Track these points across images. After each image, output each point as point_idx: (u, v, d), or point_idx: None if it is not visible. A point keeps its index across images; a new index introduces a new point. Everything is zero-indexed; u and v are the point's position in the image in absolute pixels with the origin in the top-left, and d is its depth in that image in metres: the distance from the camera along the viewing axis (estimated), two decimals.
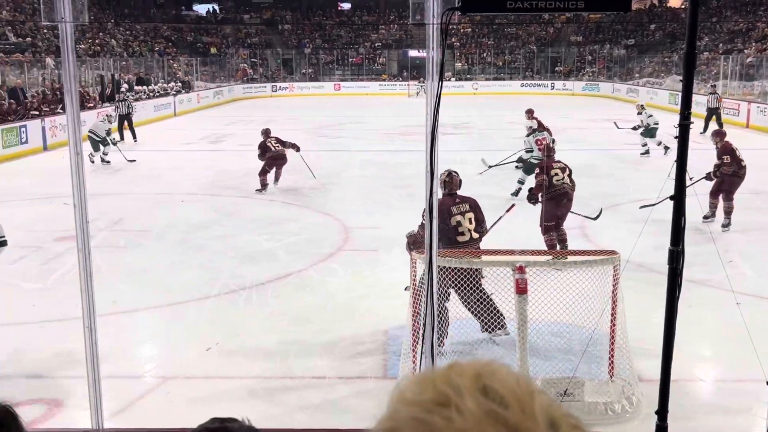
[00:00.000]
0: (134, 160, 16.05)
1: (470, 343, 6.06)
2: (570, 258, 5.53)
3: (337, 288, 7.79)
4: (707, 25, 36.64)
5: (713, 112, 20.86)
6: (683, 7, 41.87)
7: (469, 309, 5.86)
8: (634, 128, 16.13)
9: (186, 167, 15.88)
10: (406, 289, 6.10)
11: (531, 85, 40.31)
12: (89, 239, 3.80)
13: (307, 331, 6.53)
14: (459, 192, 6.51)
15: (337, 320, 6.78)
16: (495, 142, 17.56)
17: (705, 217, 9.79)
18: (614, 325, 5.23)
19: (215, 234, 9.96)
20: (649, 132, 15.89)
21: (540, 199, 8.36)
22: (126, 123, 19.93)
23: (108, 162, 15.82)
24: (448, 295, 5.70)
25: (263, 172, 12.88)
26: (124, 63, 30.57)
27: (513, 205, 8.42)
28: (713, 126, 19.98)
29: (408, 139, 19.03)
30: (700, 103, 24.88)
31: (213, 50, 42.73)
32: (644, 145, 16.15)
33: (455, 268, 5.46)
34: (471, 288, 5.61)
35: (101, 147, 15.73)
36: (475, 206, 6.41)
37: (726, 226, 9.68)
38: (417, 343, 5.18)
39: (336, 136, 20.77)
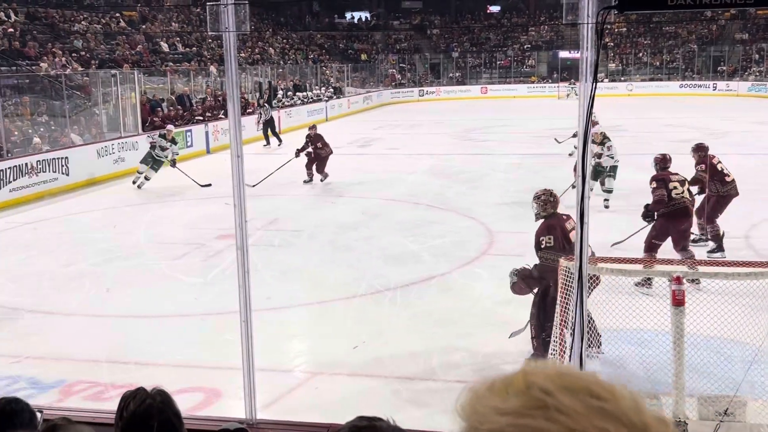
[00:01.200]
0: (209, 185, 13.85)
1: (618, 357, 5.82)
2: (732, 269, 5.17)
3: (480, 293, 7.74)
4: None
5: None
6: None
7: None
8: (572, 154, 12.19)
9: (336, 170, 16.36)
10: (511, 336, 5.96)
11: (691, 86, 38.15)
12: (247, 237, 4.01)
13: (450, 335, 6.54)
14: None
15: (480, 325, 6.74)
16: (650, 145, 16.72)
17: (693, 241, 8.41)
18: None
19: (363, 235, 10.21)
20: (597, 173, 11.27)
21: (655, 217, 7.69)
22: (270, 129, 20.85)
23: (139, 185, 14.62)
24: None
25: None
26: (280, 70, 32.01)
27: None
28: None
29: (554, 143, 18.58)
30: None
31: (363, 56, 43.81)
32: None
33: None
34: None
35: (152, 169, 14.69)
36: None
37: (713, 251, 8.37)
38: (563, 353, 5.05)
39: (482, 140, 20.67)
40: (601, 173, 10.84)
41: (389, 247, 9.54)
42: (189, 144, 18.90)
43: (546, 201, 6.12)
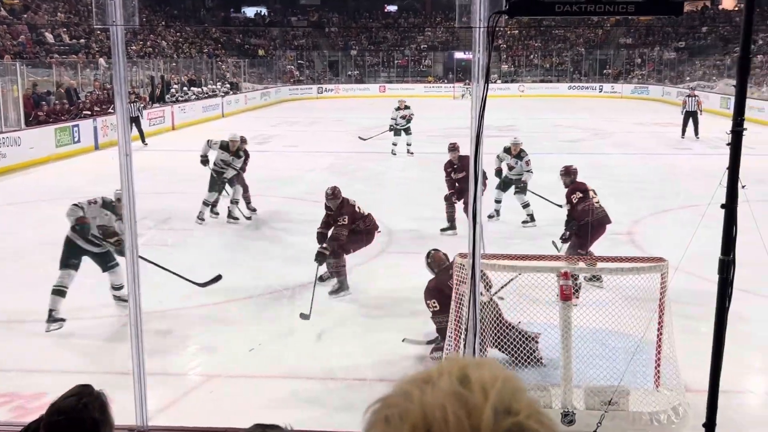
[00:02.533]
0: (254, 210, 11.28)
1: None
2: (617, 265, 5.43)
3: (380, 290, 7.79)
4: (762, 27, 35.72)
5: (690, 116, 19.94)
6: (736, 9, 40.88)
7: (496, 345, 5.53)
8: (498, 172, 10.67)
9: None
10: (403, 340, 6.09)
11: (578, 88, 39.81)
12: (137, 238, 3.87)
13: (348, 333, 6.56)
14: None
15: (379, 323, 6.79)
16: (541, 144, 17.35)
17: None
18: (661, 334, 5.13)
19: (260, 234, 10.07)
20: (506, 184, 10.66)
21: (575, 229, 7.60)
22: (134, 125, 19.55)
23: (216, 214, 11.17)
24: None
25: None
26: (174, 64, 31.13)
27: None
28: (689, 132, 19.60)
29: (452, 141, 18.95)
30: (753, 108, 24.30)
31: (261, 52, 43.24)
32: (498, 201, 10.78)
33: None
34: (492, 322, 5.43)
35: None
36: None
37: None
38: (458, 347, 5.15)
39: (380, 138, 20.80)
40: (511, 184, 10.45)
41: (288, 246, 9.46)
42: (76, 140, 18.09)
43: (430, 263, 6.36)
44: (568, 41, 44.88)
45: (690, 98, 20.34)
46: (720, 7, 43.86)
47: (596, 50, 43.26)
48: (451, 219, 9.92)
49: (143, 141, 19.43)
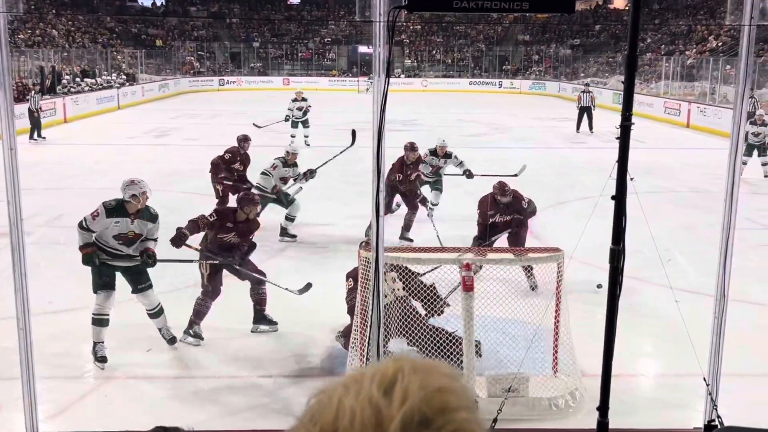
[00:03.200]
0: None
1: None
2: (515, 255, 5.58)
3: (285, 286, 7.70)
4: (650, 26, 37.56)
5: (585, 111, 20.85)
6: (626, 8, 42.79)
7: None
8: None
9: (130, 162, 15.55)
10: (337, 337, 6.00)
11: (479, 83, 40.68)
12: (23, 237, 3.67)
13: (255, 331, 6.45)
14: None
15: (284, 318, 6.71)
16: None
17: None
18: (558, 321, 5.31)
19: (162, 231, 9.74)
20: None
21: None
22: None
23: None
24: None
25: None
26: (65, 54, 29.76)
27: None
28: (584, 127, 20.65)
29: (358, 136, 18.99)
30: (642, 103, 25.55)
31: (158, 42, 41.94)
32: None
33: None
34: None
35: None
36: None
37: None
38: (364, 342, 5.16)
39: (285, 131, 20.60)
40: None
41: (189, 242, 9.19)
42: None
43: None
44: (469, 37, 45.77)
45: (584, 94, 21.19)
46: (611, 6, 45.80)
47: (496, 47, 44.33)
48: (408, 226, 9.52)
49: (39, 135, 18.32)
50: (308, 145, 17.07)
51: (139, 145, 18.43)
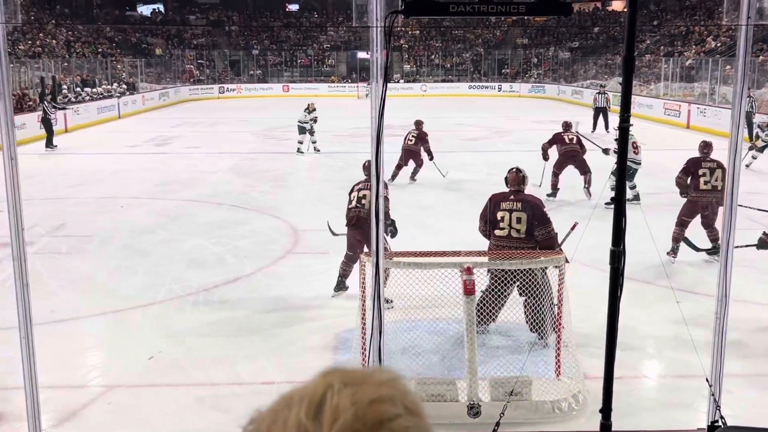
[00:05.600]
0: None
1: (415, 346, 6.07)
2: (516, 258, 5.57)
3: (286, 292, 7.72)
4: (649, 27, 37.59)
5: (600, 112, 21.46)
6: (625, 10, 42.75)
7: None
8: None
9: (131, 170, 15.58)
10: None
11: (479, 87, 40.71)
12: (25, 247, 3.68)
13: (255, 337, 6.46)
14: (526, 191, 6.54)
15: (286, 324, 6.72)
16: (443, 143, 17.62)
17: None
18: (560, 324, 5.31)
19: (161, 238, 9.78)
20: None
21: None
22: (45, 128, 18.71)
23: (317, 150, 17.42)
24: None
25: (398, 166, 13.20)
26: (65, 64, 29.83)
27: (576, 224, 7.92)
28: (600, 127, 20.92)
29: (357, 141, 19.00)
30: (642, 105, 25.56)
31: (158, 51, 42.01)
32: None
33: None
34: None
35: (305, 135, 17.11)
36: (531, 207, 6.20)
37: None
38: (365, 344, 5.16)
39: (285, 138, 20.63)
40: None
41: (190, 250, 9.22)
42: None
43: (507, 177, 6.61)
44: (467, 41, 45.82)
45: (600, 95, 21.73)
46: (609, 8, 45.85)
47: (495, 50, 44.38)
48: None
49: (51, 144, 18.59)
50: (318, 150, 17.38)
51: (140, 153, 18.45)
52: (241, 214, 11.32)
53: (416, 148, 13.31)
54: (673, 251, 8.55)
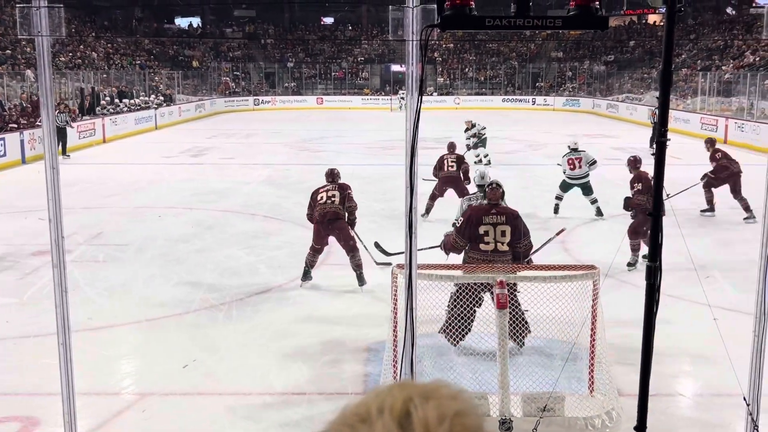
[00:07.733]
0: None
1: (450, 358, 6.04)
2: (550, 272, 5.53)
3: (318, 303, 7.75)
4: (686, 41, 37.15)
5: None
6: (661, 23, 42.37)
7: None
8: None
9: (167, 181, 15.81)
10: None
11: (512, 101, 40.59)
12: (64, 254, 3.75)
13: (287, 347, 6.49)
14: (503, 204, 6.58)
15: (317, 335, 6.74)
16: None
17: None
18: (594, 339, 5.24)
19: (195, 248, 9.89)
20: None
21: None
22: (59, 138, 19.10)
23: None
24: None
25: (433, 197, 11.56)
26: (104, 76, 30.42)
27: (562, 229, 8.38)
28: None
29: (390, 153, 19.07)
30: (678, 119, 25.23)
31: (195, 63, 42.66)
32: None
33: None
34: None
35: None
36: (513, 219, 6.24)
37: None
38: (397, 357, 5.16)
39: (318, 150, 20.78)
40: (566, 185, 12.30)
41: (224, 260, 9.32)
42: (2, 153, 17.48)
43: (485, 191, 6.72)
44: (501, 55, 45.75)
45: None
46: (646, 21, 45.45)
47: (529, 64, 44.23)
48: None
49: (64, 153, 18.71)
50: (489, 163, 17.27)
51: (176, 164, 18.71)
52: (275, 224, 11.41)
53: (457, 174, 11.55)
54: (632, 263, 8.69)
